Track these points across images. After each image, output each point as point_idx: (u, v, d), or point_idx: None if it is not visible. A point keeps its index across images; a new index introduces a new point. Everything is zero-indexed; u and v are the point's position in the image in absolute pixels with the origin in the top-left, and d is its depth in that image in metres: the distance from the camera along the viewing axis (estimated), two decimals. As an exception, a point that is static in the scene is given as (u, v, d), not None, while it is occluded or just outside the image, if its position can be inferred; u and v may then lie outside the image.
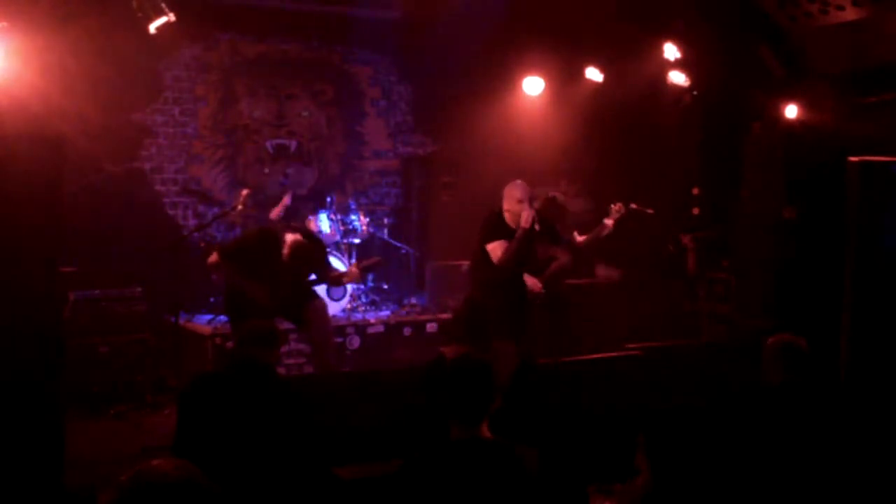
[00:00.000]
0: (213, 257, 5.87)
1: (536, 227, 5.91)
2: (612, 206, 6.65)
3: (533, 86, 8.58)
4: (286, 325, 6.39)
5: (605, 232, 6.62)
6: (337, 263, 7.77)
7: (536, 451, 2.82)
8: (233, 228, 8.31)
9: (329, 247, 7.83)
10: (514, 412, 3.73)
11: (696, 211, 8.51)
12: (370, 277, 8.56)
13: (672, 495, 2.41)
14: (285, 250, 5.96)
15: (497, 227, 5.99)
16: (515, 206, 5.92)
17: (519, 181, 6.04)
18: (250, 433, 3.66)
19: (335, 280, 6.47)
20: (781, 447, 3.49)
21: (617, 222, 6.61)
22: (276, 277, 5.89)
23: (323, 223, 8.00)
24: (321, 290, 7.55)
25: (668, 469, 2.43)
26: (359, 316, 7.78)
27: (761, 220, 7.76)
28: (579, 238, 6.69)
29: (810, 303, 6.73)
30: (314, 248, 6.19)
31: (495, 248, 5.93)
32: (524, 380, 3.88)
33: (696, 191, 8.54)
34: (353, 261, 8.17)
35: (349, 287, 7.80)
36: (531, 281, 6.38)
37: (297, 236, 6.07)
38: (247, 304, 5.79)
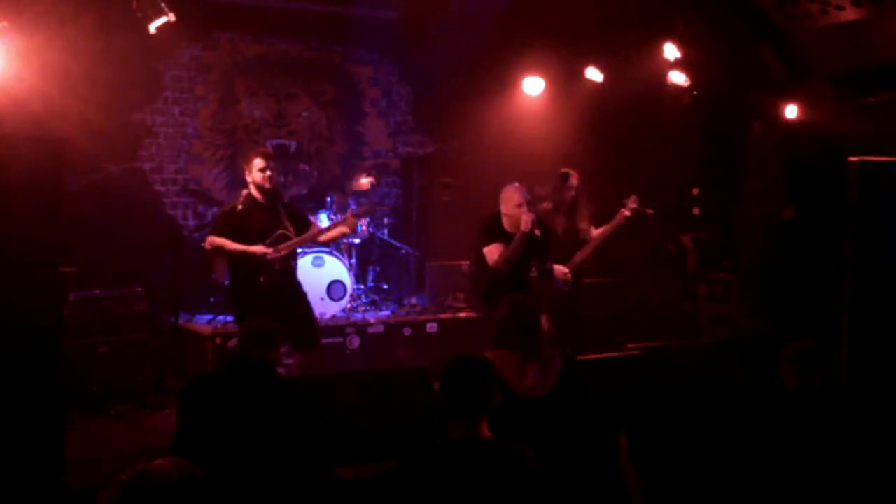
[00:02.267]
0: (209, 241, 5.83)
1: (537, 231, 5.88)
2: (625, 200, 6.59)
3: (533, 86, 8.58)
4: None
5: (622, 222, 6.57)
6: (338, 264, 7.77)
7: (534, 451, 2.81)
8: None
9: (329, 246, 7.83)
10: (562, 414, 3.73)
11: (696, 211, 8.51)
12: (370, 277, 8.57)
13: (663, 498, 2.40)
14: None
15: (495, 230, 5.95)
16: (514, 209, 5.86)
17: (517, 184, 5.99)
18: (250, 433, 3.67)
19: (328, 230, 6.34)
20: (782, 452, 3.50)
21: (633, 212, 6.54)
22: (267, 232, 5.85)
23: (323, 223, 8.00)
24: (321, 289, 7.57)
25: (658, 472, 2.43)
26: (359, 316, 7.78)
27: (761, 220, 7.76)
28: (595, 231, 6.66)
29: (810, 303, 6.74)
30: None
31: (492, 251, 5.89)
32: (570, 382, 3.83)
33: (696, 191, 8.54)
34: (353, 260, 8.18)
35: (349, 287, 7.80)
36: (559, 269, 6.37)
37: None
38: (252, 297, 5.78)
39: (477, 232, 6.06)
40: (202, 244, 6.02)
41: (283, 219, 5.95)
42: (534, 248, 5.98)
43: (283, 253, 5.82)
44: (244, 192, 6.07)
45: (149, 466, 1.79)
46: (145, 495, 1.75)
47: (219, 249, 5.85)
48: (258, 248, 5.74)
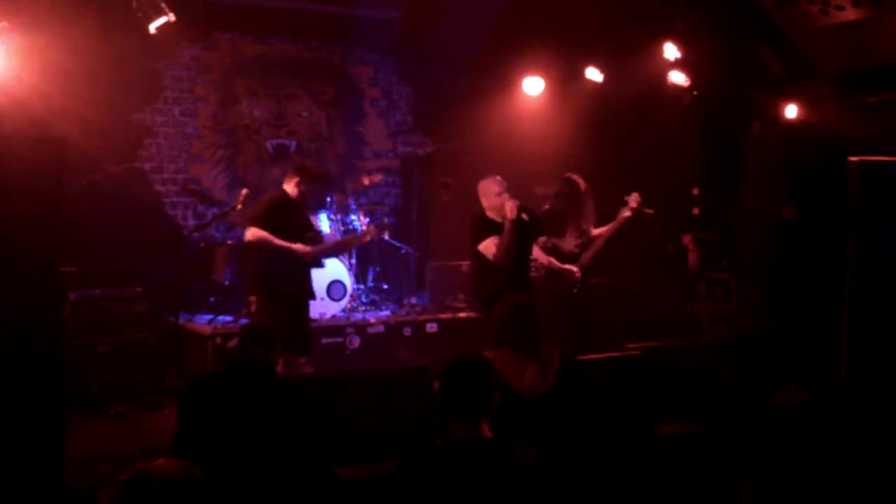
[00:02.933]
0: (252, 232, 5.82)
1: (524, 216, 5.91)
2: (627, 197, 6.48)
3: (533, 86, 8.57)
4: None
5: (624, 221, 6.44)
6: (338, 264, 7.77)
7: (535, 451, 2.81)
8: (233, 229, 8.31)
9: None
10: (561, 413, 3.73)
11: (696, 211, 8.50)
12: (370, 277, 8.56)
13: None
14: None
15: (484, 226, 5.99)
16: (495, 200, 5.94)
17: (492, 176, 6.06)
18: (250, 433, 3.66)
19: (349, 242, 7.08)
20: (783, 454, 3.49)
21: (635, 211, 6.44)
22: (301, 232, 5.96)
23: (323, 223, 8.00)
24: (321, 289, 7.57)
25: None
26: (359, 316, 7.77)
27: (761, 220, 7.76)
28: (595, 231, 6.61)
29: (810, 303, 6.74)
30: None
31: (488, 246, 5.92)
32: (569, 381, 3.83)
33: (696, 191, 8.53)
34: (353, 260, 8.17)
35: (349, 287, 7.80)
36: (570, 268, 6.35)
37: None
38: (280, 285, 5.85)
39: (468, 234, 6.10)
40: (244, 234, 6.04)
41: (305, 220, 6.17)
42: (527, 234, 6.01)
43: (316, 254, 6.07)
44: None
45: (149, 466, 1.79)
46: (145, 495, 1.75)
47: (262, 242, 5.82)
48: (299, 247, 5.88)
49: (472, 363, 2.93)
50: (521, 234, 5.91)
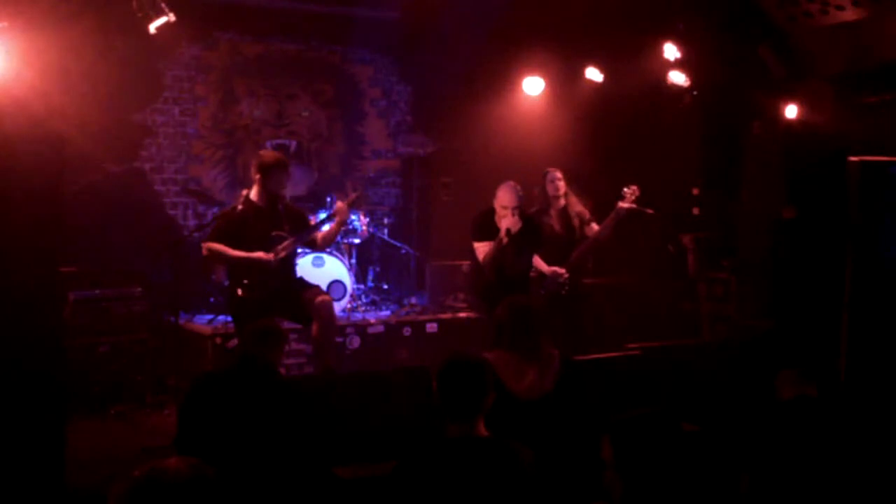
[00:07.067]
0: (205, 247, 5.84)
1: (504, 240, 5.88)
2: (626, 188, 6.33)
3: (533, 86, 8.57)
4: (286, 325, 6.38)
5: (622, 214, 6.28)
6: (338, 264, 7.77)
7: (532, 452, 2.81)
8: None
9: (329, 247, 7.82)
10: (559, 415, 3.73)
11: (696, 211, 8.50)
12: (370, 277, 8.57)
13: None
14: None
15: (486, 226, 6.02)
16: (500, 211, 5.98)
17: (511, 183, 6.03)
18: (251, 432, 3.67)
19: (323, 226, 6.12)
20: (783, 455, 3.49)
21: (633, 206, 6.31)
22: (266, 236, 5.83)
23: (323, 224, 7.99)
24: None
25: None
26: (359, 316, 7.78)
27: (761, 220, 7.76)
28: (595, 227, 6.51)
29: (810, 303, 6.73)
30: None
31: (480, 248, 5.97)
32: (568, 383, 3.83)
33: (696, 191, 8.53)
34: (353, 260, 8.17)
35: (349, 287, 7.79)
36: (553, 270, 6.32)
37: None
38: (249, 300, 5.76)
39: (470, 227, 6.12)
40: (202, 245, 6.02)
41: (283, 221, 5.94)
42: (522, 246, 6.01)
43: (281, 255, 5.80)
44: (243, 192, 6.07)
45: (161, 463, 1.79)
46: (157, 492, 1.74)
47: (217, 255, 5.81)
48: (258, 255, 5.72)
49: (467, 362, 2.93)
50: (511, 251, 5.90)
